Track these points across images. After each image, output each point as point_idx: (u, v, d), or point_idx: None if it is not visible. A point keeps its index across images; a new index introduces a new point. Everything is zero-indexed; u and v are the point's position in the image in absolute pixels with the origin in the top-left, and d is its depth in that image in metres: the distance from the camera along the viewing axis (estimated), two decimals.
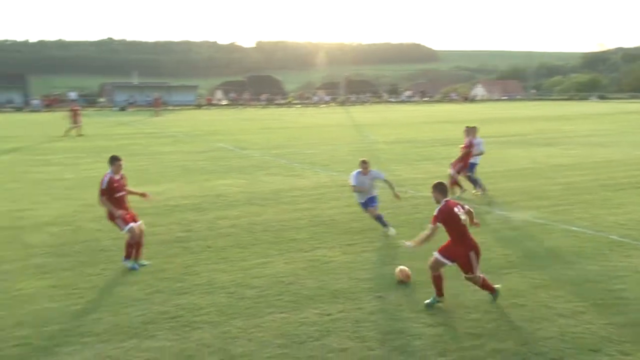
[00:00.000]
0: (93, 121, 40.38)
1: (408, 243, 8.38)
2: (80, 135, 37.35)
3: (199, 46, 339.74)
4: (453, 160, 16.36)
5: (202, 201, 15.75)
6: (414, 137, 34.96)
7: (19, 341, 7.22)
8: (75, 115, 38.17)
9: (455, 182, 15.74)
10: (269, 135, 38.32)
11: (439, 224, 7.93)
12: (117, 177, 10.20)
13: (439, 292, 8.18)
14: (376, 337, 7.28)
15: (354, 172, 12.20)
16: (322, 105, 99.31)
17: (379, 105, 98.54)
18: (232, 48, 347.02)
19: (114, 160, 10.22)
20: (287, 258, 10.46)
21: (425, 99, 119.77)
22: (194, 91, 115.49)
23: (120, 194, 10.21)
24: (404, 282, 9.01)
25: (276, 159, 24.99)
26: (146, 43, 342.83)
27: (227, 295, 8.74)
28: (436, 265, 8.11)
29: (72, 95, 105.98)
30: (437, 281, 8.14)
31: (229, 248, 11.22)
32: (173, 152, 28.31)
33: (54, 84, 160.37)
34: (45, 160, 25.02)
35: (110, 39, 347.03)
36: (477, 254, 8.00)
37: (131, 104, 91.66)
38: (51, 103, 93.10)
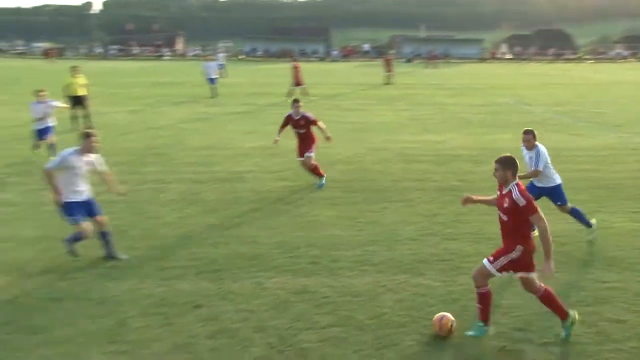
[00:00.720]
0: (382, 72, 42.51)
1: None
2: (392, 83, 40.18)
3: None
4: None
5: (479, 153, 15.83)
6: None
7: (311, 259, 8.43)
8: (388, 65, 41.65)
9: None
10: (553, 91, 36.10)
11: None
12: (295, 117, 12.35)
13: (485, 316, 6.29)
14: None
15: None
16: (619, 61, 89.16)
17: None
18: (522, 0, 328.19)
19: (293, 102, 12.59)
20: (563, 218, 10.08)
21: None
22: (478, 44, 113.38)
23: (297, 131, 12.42)
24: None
25: (559, 116, 23.63)
26: None
27: (495, 246, 8.80)
28: (485, 275, 6.26)
29: (366, 47, 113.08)
30: (486, 300, 6.26)
31: None
32: (455, 103, 28.56)
33: (351, 36, 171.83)
34: (336, 105, 27.42)
35: None
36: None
37: (417, 56, 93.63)
38: (348, 54, 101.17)
